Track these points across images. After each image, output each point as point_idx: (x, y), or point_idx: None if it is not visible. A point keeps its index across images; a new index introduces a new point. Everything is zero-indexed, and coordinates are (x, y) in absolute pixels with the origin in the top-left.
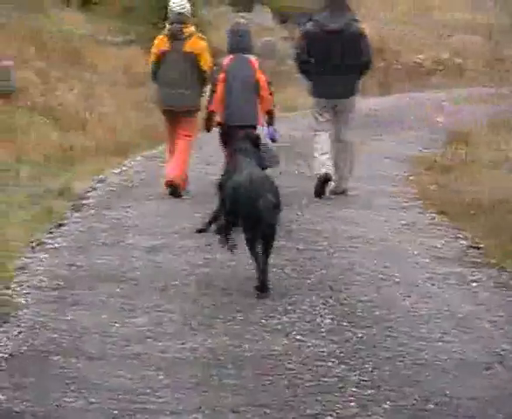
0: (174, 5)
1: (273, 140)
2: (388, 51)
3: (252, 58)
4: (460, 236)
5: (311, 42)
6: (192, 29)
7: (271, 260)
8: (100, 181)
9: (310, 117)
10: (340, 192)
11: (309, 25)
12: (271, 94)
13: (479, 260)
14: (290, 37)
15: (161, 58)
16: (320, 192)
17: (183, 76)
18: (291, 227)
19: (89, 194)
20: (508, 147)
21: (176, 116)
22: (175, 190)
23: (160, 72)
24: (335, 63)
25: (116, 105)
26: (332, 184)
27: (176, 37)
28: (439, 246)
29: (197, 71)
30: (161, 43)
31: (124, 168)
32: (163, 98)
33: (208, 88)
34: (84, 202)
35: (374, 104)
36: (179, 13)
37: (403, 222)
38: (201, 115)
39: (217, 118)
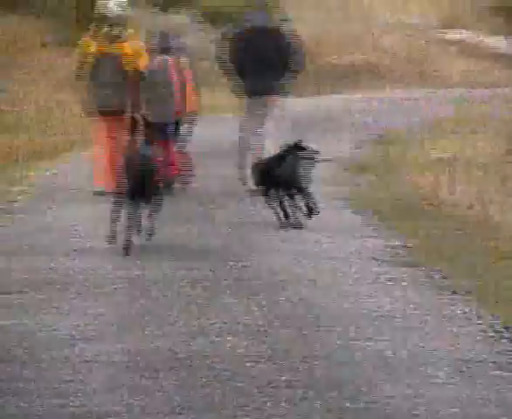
0: (112, 6)
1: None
2: (319, 52)
3: (175, 58)
4: (390, 236)
5: (236, 41)
6: (130, 31)
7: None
8: (31, 184)
9: (238, 117)
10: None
11: (232, 25)
12: (196, 94)
13: (408, 260)
14: (217, 39)
15: (96, 60)
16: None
17: (119, 77)
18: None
19: (19, 197)
20: (436, 148)
21: (113, 117)
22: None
23: (95, 73)
24: (265, 62)
25: (45, 106)
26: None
27: (113, 38)
28: (368, 246)
29: (134, 72)
30: (95, 44)
31: (54, 171)
32: (99, 99)
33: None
34: (15, 205)
35: (303, 104)
36: (118, 15)
37: (330, 223)
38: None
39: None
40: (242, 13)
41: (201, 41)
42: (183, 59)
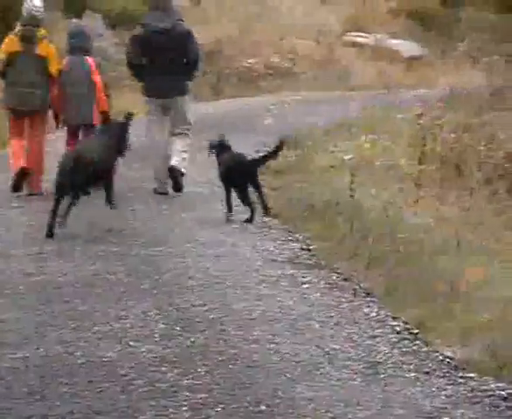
0: (28, 7)
1: None
2: (222, 56)
3: (89, 58)
4: (292, 238)
5: (141, 44)
6: (43, 32)
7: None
8: None
9: (145, 119)
10: (177, 174)
11: (137, 30)
12: (107, 96)
13: (310, 262)
14: (121, 42)
15: (11, 59)
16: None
17: (34, 77)
18: (124, 231)
19: None
20: (339, 150)
21: (26, 116)
22: (22, 179)
23: (10, 72)
24: (165, 63)
25: None
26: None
27: (28, 39)
28: (271, 249)
29: (46, 73)
30: (11, 43)
31: None
32: (14, 97)
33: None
34: None
35: (204, 109)
36: (33, 16)
37: (234, 225)
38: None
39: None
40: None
41: (110, 44)
42: (96, 59)
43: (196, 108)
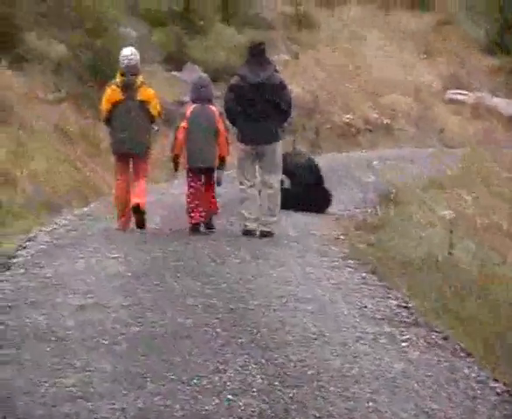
0: (125, 56)
1: (219, 183)
2: (319, 110)
3: (213, 107)
4: (390, 295)
5: (236, 94)
6: (141, 78)
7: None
8: (30, 239)
9: (236, 167)
10: (267, 233)
11: (234, 79)
12: (227, 142)
13: (408, 320)
14: (222, 95)
15: (115, 107)
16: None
17: (137, 122)
18: (221, 285)
19: (19, 252)
20: (437, 206)
21: (131, 159)
22: (141, 216)
23: (114, 119)
24: (258, 112)
25: (47, 162)
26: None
27: (128, 86)
28: (369, 306)
29: (148, 116)
30: (113, 93)
31: (55, 227)
32: (119, 142)
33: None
34: (13, 260)
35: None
36: (130, 65)
37: (333, 281)
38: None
39: (182, 160)
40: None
41: None
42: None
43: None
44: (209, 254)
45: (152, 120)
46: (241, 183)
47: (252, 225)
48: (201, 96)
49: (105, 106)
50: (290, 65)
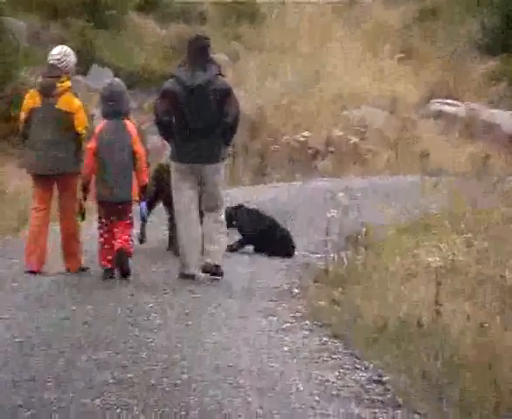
0: (51, 55)
1: (143, 219)
2: (266, 128)
3: (129, 123)
4: (359, 366)
5: (171, 101)
6: (68, 84)
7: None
8: None
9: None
10: (211, 270)
11: (168, 83)
12: (148, 166)
13: (382, 398)
14: (138, 107)
15: (31, 116)
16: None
17: (57, 137)
18: (140, 354)
19: None
20: (420, 253)
21: (51, 182)
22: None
23: (30, 132)
24: (198, 124)
25: None
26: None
27: (47, 92)
28: (331, 380)
29: (72, 132)
30: (31, 99)
31: None
32: (34, 161)
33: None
34: None
35: (245, 195)
36: (52, 65)
37: (285, 348)
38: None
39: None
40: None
41: None
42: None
43: (234, 196)
44: (126, 313)
45: (78, 136)
46: (178, 213)
47: (191, 270)
48: (113, 109)
49: (22, 113)
50: (228, 69)
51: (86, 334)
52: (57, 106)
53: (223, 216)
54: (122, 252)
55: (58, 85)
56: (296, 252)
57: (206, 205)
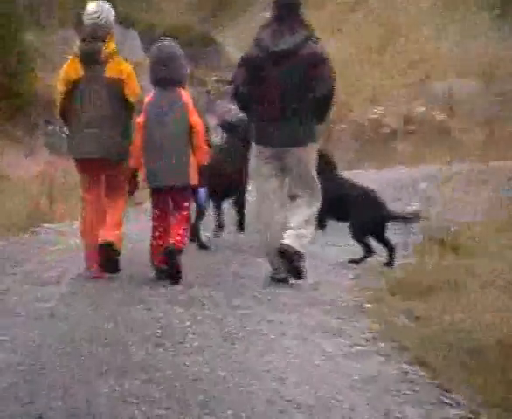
0: (89, 15)
1: (201, 208)
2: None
3: (185, 92)
4: (448, 401)
5: (253, 69)
6: (113, 46)
7: None
8: None
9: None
10: (290, 257)
11: (250, 48)
12: (208, 144)
13: None
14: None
15: (72, 90)
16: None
17: (105, 112)
18: (174, 384)
19: None
20: None
21: (99, 167)
22: (112, 254)
23: (72, 108)
24: (284, 97)
25: None
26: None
27: (92, 58)
28: (414, 418)
29: (123, 103)
30: (70, 68)
31: None
32: (78, 143)
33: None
34: None
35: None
36: (94, 24)
37: (355, 377)
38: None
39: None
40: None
41: None
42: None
43: None
44: (155, 333)
45: (129, 107)
46: (259, 206)
47: (282, 274)
48: (164, 76)
49: (59, 88)
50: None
51: (108, 358)
52: (106, 75)
53: (314, 209)
54: (173, 249)
55: (104, 48)
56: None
57: (295, 194)
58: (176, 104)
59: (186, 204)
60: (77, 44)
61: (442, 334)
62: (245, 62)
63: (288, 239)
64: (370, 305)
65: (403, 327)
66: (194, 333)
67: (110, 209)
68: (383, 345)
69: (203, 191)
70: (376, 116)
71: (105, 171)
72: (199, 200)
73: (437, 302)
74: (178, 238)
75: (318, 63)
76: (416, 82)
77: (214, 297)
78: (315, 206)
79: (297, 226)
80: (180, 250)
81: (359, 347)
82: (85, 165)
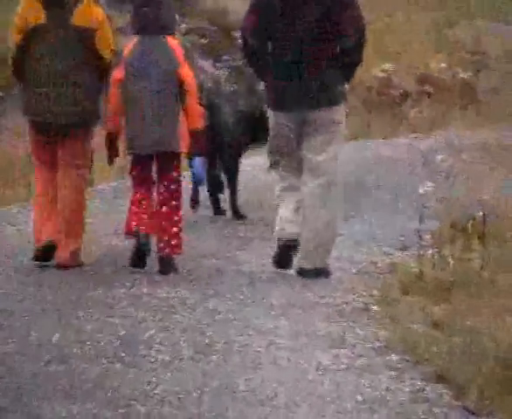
0: None
1: (198, 181)
2: None
3: (174, 41)
4: None
5: (266, 15)
6: None
7: None
8: None
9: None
10: (311, 270)
11: None
12: (201, 104)
13: None
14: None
15: (31, 38)
16: (282, 263)
17: (70, 67)
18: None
19: None
20: None
21: (58, 133)
22: (47, 254)
23: (30, 60)
24: (303, 50)
25: None
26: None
27: (56, 1)
28: None
29: (93, 57)
30: (28, 13)
31: None
32: (35, 103)
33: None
34: None
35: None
36: None
37: (360, 397)
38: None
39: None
40: None
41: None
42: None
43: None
44: (112, 344)
45: (102, 64)
46: (277, 180)
47: (291, 229)
48: (148, 20)
49: (13, 36)
50: None
51: (54, 377)
52: (72, 22)
53: (333, 188)
54: (167, 260)
55: None
56: (375, 247)
57: (312, 166)
58: (163, 55)
59: (175, 175)
60: None
61: (466, 343)
62: (256, 7)
63: (304, 259)
64: (377, 308)
65: (418, 335)
66: (161, 345)
67: (67, 182)
68: (394, 357)
69: (198, 160)
70: (384, 74)
71: (65, 137)
72: (195, 170)
73: (459, 303)
74: (174, 243)
75: (344, 7)
76: (433, 29)
77: (187, 298)
78: (333, 184)
79: (313, 235)
80: (177, 253)
81: (364, 360)
82: (41, 128)
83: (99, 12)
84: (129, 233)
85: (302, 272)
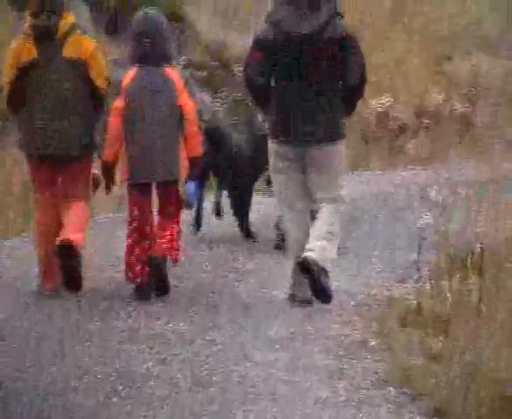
0: None
1: (189, 205)
2: None
3: (173, 71)
4: None
5: (269, 56)
6: (72, 19)
7: None
8: None
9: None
10: (314, 273)
11: (265, 30)
12: (199, 133)
13: None
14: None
15: (25, 73)
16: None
17: (64, 100)
18: None
19: None
20: None
21: (56, 166)
22: (74, 262)
23: (24, 95)
24: (307, 88)
25: None
26: None
27: (46, 36)
28: None
29: (88, 87)
30: (21, 48)
31: None
32: (33, 138)
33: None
34: None
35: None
36: None
37: None
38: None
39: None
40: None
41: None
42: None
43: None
44: (108, 377)
45: (96, 93)
46: (282, 210)
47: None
48: (148, 51)
49: (7, 73)
50: None
51: (46, 410)
52: (64, 54)
53: (338, 216)
54: (160, 259)
55: (61, 22)
56: (372, 280)
57: (319, 197)
58: (162, 85)
59: (176, 201)
60: (27, 19)
61: (467, 377)
62: (259, 48)
63: (310, 252)
64: (375, 340)
65: (416, 368)
66: (157, 378)
67: (70, 211)
68: (392, 390)
69: (192, 186)
70: (382, 108)
71: (63, 169)
72: (187, 194)
73: (458, 337)
74: (169, 245)
75: (347, 46)
76: (430, 63)
77: (184, 330)
78: (338, 212)
79: (320, 235)
80: (175, 260)
81: (363, 393)
82: (40, 162)
83: (89, 43)
84: (133, 278)
85: (305, 262)
